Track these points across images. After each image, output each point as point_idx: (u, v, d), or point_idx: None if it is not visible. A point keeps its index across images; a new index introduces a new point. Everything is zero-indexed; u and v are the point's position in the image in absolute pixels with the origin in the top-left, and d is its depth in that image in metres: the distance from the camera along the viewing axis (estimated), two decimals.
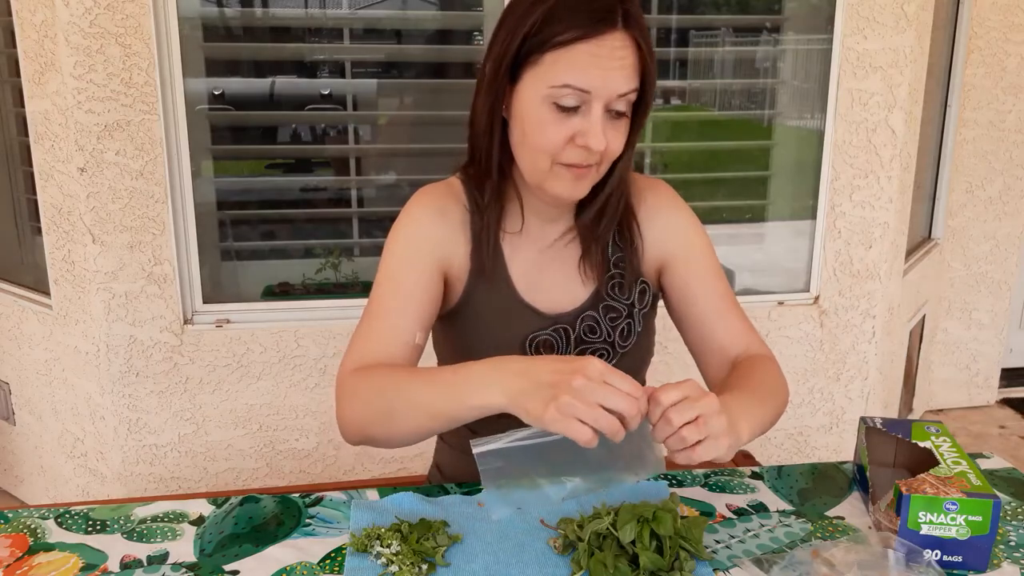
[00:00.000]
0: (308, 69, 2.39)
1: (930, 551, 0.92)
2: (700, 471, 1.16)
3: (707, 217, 2.61)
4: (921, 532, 0.93)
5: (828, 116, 2.33)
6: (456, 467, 1.26)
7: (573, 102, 1.00)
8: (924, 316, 3.04)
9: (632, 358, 1.18)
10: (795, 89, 2.50)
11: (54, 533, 1.00)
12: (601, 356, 1.15)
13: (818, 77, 2.37)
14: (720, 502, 1.08)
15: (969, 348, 3.27)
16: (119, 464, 2.22)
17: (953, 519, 0.92)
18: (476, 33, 2.35)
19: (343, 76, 2.37)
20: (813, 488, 1.12)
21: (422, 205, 1.14)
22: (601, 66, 0.98)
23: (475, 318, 1.14)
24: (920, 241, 3.02)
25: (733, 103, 2.65)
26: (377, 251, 2.46)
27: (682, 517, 0.96)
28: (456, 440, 1.26)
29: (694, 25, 2.52)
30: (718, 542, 0.99)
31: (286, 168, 2.55)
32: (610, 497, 1.04)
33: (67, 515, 1.03)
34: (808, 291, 2.47)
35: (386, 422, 0.99)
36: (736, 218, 2.63)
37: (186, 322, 2.16)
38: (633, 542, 0.90)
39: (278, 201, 2.45)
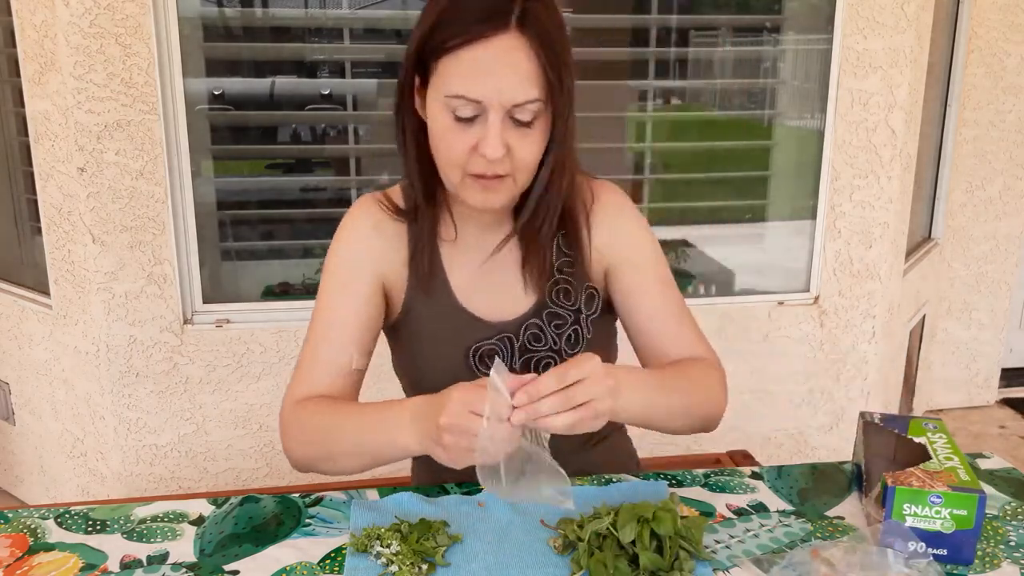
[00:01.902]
0: (308, 69, 2.38)
1: (916, 541, 0.93)
2: (700, 471, 1.16)
3: (707, 217, 2.63)
4: (905, 524, 0.93)
5: (828, 116, 2.33)
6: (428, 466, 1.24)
7: (469, 112, 0.93)
8: (924, 316, 3.04)
9: None
10: (795, 89, 2.50)
11: (54, 533, 1.00)
12: (548, 365, 1.10)
13: (818, 77, 2.36)
14: (720, 502, 1.08)
15: (969, 348, 3.27)
16: (119, 464, 2.22)
17: (937, 512, 0.92)
18: None
19: (343, 76, 2.37)
20: (813, 488, 1.12)
21: (355, 219, 1.13)
22: (490, 72, 0.91)
23: (417, 330, 1.12)
24: (920, 241, 3.01)
25: (733, 103, 2.65)
26: None
27: (682, 517, 0.96)
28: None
29: (694, 25, 2.51)
30: (718, 542, 0.99)
31: (286, 168, 2.55)
32: (610, 497, 1.04)
33: (67, 515, 1.03)
34: (808, 291, 2.47)
35: (329, 460, 1.05)
36: (736, 218, 2.63)
37: (186, 322, 2.16)
38: (633, 542, 0.90)
39: (278, 201, 2.45)
